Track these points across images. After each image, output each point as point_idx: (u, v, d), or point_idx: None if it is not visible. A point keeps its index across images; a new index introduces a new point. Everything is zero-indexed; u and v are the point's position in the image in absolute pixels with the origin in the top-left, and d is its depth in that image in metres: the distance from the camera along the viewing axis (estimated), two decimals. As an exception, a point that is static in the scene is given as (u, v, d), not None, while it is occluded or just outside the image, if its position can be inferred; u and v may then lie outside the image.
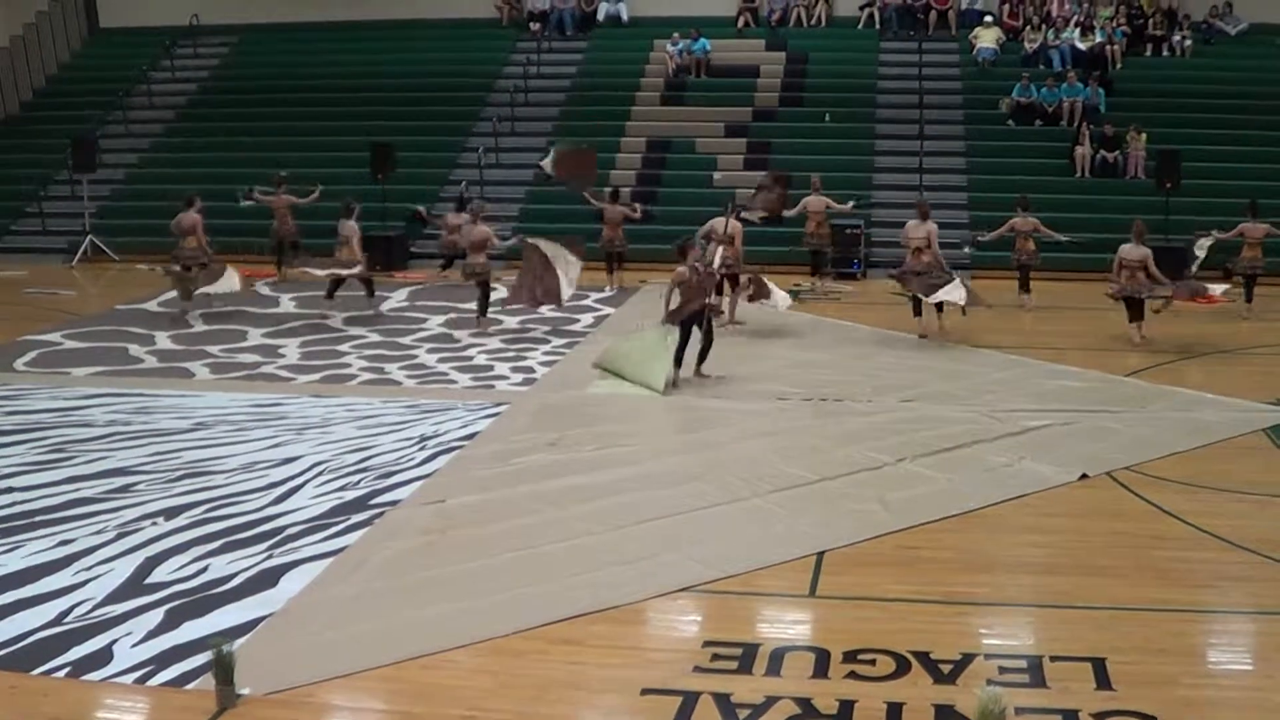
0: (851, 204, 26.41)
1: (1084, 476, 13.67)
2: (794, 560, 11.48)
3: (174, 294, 23.21)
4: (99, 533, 12.10)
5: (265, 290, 24.49)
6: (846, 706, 8.70)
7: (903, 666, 9.30)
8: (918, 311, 21.27)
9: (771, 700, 8.80)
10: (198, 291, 22.77)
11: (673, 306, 17.78)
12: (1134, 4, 33.76)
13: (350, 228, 23.13)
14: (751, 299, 21.20)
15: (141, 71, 35.75)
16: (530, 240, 21.76)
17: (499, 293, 22.21)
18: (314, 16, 36.84)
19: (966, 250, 26.32)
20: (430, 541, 11.91)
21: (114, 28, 38.55)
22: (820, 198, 26.01)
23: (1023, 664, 9.34)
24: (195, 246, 24.26)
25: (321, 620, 10.21)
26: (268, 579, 11.01)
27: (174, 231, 24.27)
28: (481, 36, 36.17)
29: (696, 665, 9.40)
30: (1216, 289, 21.58)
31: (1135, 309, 20.63)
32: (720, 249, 20.24)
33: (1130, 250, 20.65)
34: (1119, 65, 32.40)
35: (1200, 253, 23.75)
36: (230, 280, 22.69)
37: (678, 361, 17.65)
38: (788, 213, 24.76)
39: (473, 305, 22.39)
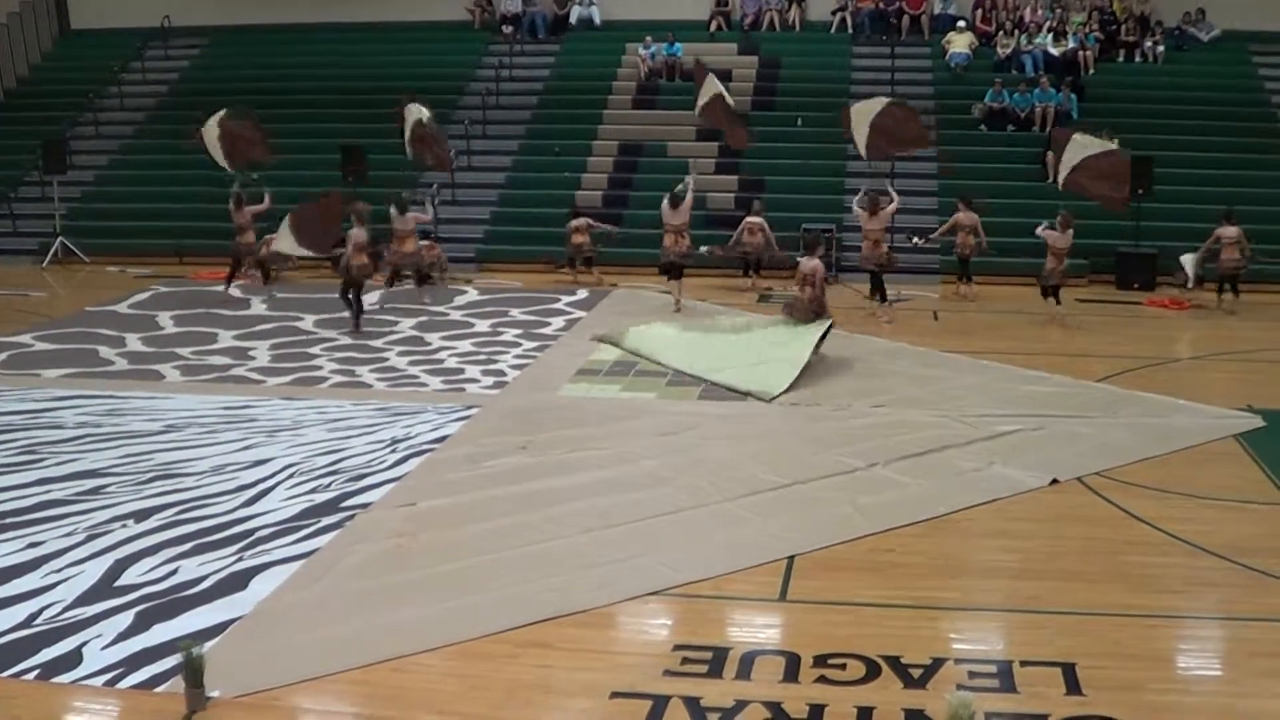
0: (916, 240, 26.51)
1: (1055, 481, 13.71)
2: (765, 564, 11.50)
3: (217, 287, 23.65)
4: (69, 535, 12.07)
5: (235, 293, 24.36)
6: (817, 711, 8.72)
7: (873, 671, 9.31)
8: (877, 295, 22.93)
9: (741, 704, 8.81)
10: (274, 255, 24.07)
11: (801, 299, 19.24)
12: (1106, 10, 33.83)
13: (406, 221, 24.22)
14: None
15: (112, 73, 35.61)
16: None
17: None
18: (285, 18, 36.75)
19: (915, 241, 26.33)
20: (401, 545, 11.89)
21: (85, 29, 38.40)
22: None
23: (993, 669, 9.37)
24: (251, 241, 24.74)
25: (292, 623, 10.20)
26: (238, 581, 10.99)
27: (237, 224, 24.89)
28: (453, 39, 36.12)
29: (666, 669, 9.40)
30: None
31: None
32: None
33: (1057, 238, 22.30)
34: (1091, 71, 32.46)
35: (1190, 269, 23.93)
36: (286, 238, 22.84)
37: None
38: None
39: (441, 308, 22.40)
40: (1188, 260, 24.15)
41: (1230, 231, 23.78)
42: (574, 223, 26.49)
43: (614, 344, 19.69)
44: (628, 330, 20.18)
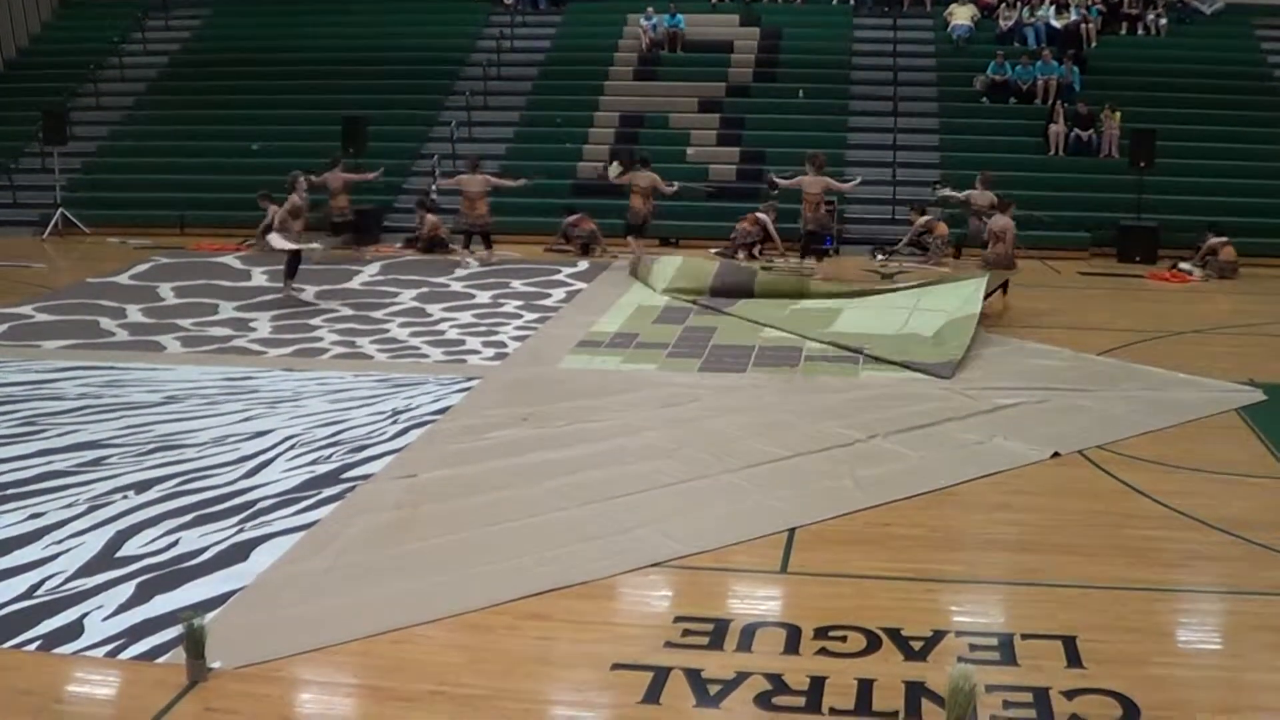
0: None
1: (1056, 455, 13.70)
2: (765, 536, 11.49)
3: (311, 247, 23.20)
4: (70, 506, 12.06)
5: (236, 264, 24.33)
6: (818, 683, 8.71)
7: (874, 643, 9.31)
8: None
9: (742, 676, 8.81)
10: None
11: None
12: (1109, -18, 33.83)
13: (475, 181, 25.12)
14: None
15: (113, 44, 35.52)
16: None
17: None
18: (287, -11, 36.76)
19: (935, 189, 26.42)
20: (401, 516, 11.89)
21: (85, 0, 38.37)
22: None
23: (994, 641, 9.36)
24: (344, 207, 25.29)
25: (293, 594, 10.19)
26: (239, 553, 10.98)
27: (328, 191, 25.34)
28: (455, 10, 36.05)
29: (667, 641, 9.40)
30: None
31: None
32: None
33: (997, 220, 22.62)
34: (1094, 44, 32.44)
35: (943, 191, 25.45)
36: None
37: None
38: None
39: (442, 280, 22.47)
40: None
41: (1220, 240, 24.57)
42: (570, 218, 26.74)
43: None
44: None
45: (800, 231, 24.43)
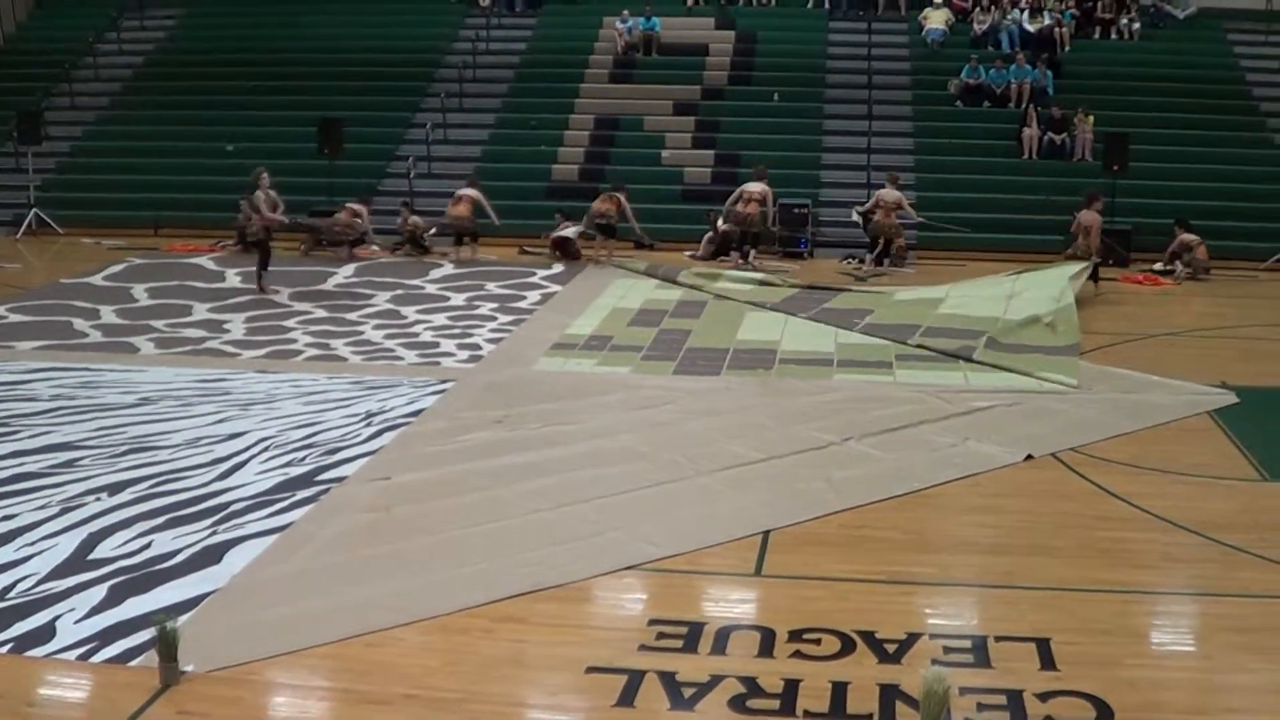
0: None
1: (1029, 457, 13.74)
2: (740, 539, 11.50)
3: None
4: (42, 508, 12.01)
5: (210, 265, 24.28)
6: (792, 685, 8.72)
7: (848, 646, 9.32)
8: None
9: (717, 679, 8.81)
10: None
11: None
12: (1083, -14, 33.94)
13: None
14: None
15: (87, 44, 35.41)
16: None
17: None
18: (263, -10, 36.69)
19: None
20: (375, 519, 11.88)
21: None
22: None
23: (967, 644, 9.39)
24: (466, 215, 25.63)
25: (266, 597, 10.17)
26: (212, 555, 10.96)
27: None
28: (430, 12, 36.03)
29: (642, 644, 9.40)
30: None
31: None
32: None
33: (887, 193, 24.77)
34: (1067, 48, 32.53)
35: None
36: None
37: None
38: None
39: (417, 281, 22.52)
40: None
41: (1193, 238, 24.86)
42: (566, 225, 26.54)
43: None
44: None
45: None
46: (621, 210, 25.76)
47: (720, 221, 25.97)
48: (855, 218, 25.97)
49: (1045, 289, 21.02)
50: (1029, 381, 16.81)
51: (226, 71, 33.37)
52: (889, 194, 25.36)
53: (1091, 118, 29.02)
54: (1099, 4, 33.61)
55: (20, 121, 29.69)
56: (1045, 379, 16.93)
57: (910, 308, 21.16)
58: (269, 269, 22.55)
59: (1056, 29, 32.60)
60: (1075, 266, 22.26)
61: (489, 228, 25.91)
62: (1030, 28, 32.79)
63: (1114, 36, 33.25)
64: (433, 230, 26.10)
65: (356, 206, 26.36)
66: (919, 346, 18.74)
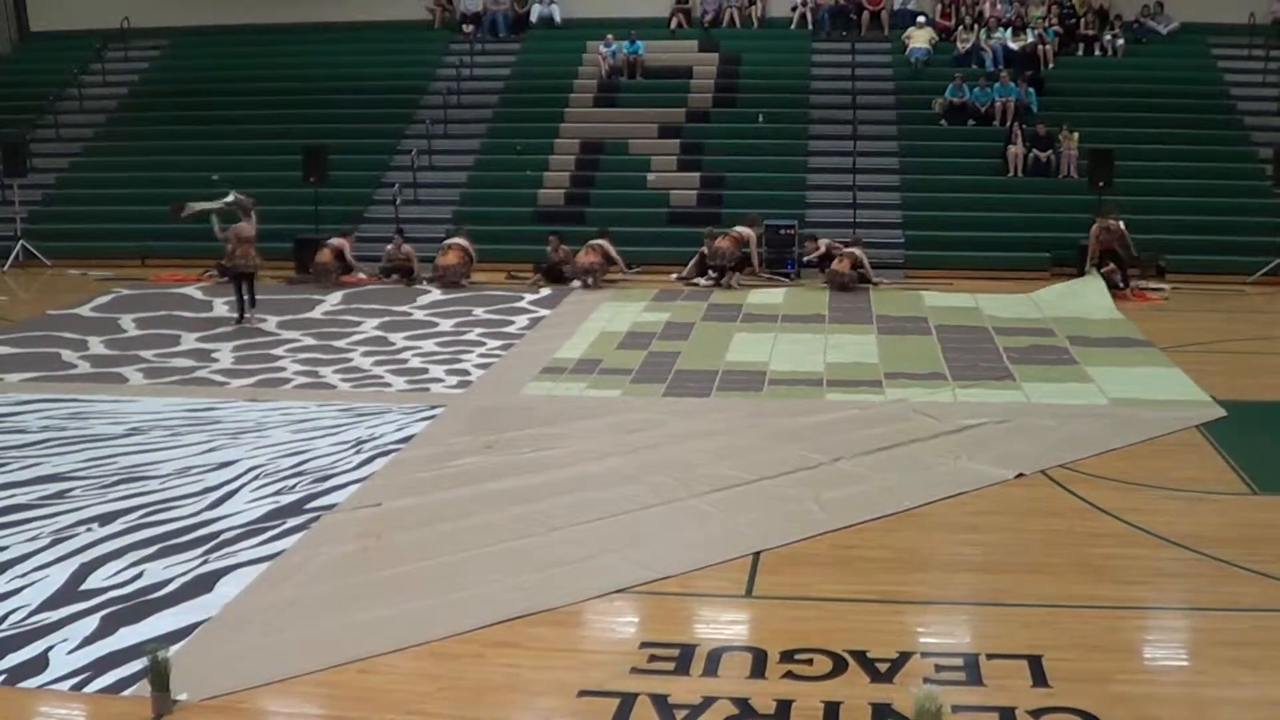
0: None
1: (1020, 475, 13.74)
2: (730, 560, 11.50)
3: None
4: (34, 539, 12.00)
5: (198, 295, 24.28)
6: (784, 706, 8.72)
7: (840, 666, 9.32)
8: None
9: (709, 701, 8.81)
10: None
11: None
12: (1066, 4, 34.00)
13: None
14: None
15: (72, 75, 35.45)
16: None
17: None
18: (245, 19, 36.70)
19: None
20: (366, 545, 11.88)
21: (44, 31, 38.29)
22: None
23: (959, 662, 9.38)
24: (455, 263, 25.95)
25: (258, 625, 10.17)
26: (203, 584, 10.95)
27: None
28: (414, 39, 36.11)
29: (634, 666, 9.39)
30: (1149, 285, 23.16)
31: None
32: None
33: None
34: (1051, 65, 32.61)
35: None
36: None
37: None
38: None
39: (405, 308, 22.60)
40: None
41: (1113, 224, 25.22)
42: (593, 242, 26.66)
43: None
44: None
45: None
46: (606, 256, 25.90)
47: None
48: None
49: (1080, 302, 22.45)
50: (1016, 396, 16.86)
51: (211, 101, 33.41)
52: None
53: (1076, 134, 29.09)
54: (1082, 21, 33.70)
55: (6, 153, 29.67)
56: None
57: (957, 313, 22.25)
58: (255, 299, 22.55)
59: (1040, 46, 32.68)
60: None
61: (480, 253, 26.13)
62: (1014, 45, 32.86)
63: (1098, 53, 33.31)
64: (423, 281, 26.02)
65: (338, 243, 26.40)
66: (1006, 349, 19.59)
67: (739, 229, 26.01)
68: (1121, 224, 25.01)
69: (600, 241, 26.23)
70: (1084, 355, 19.11)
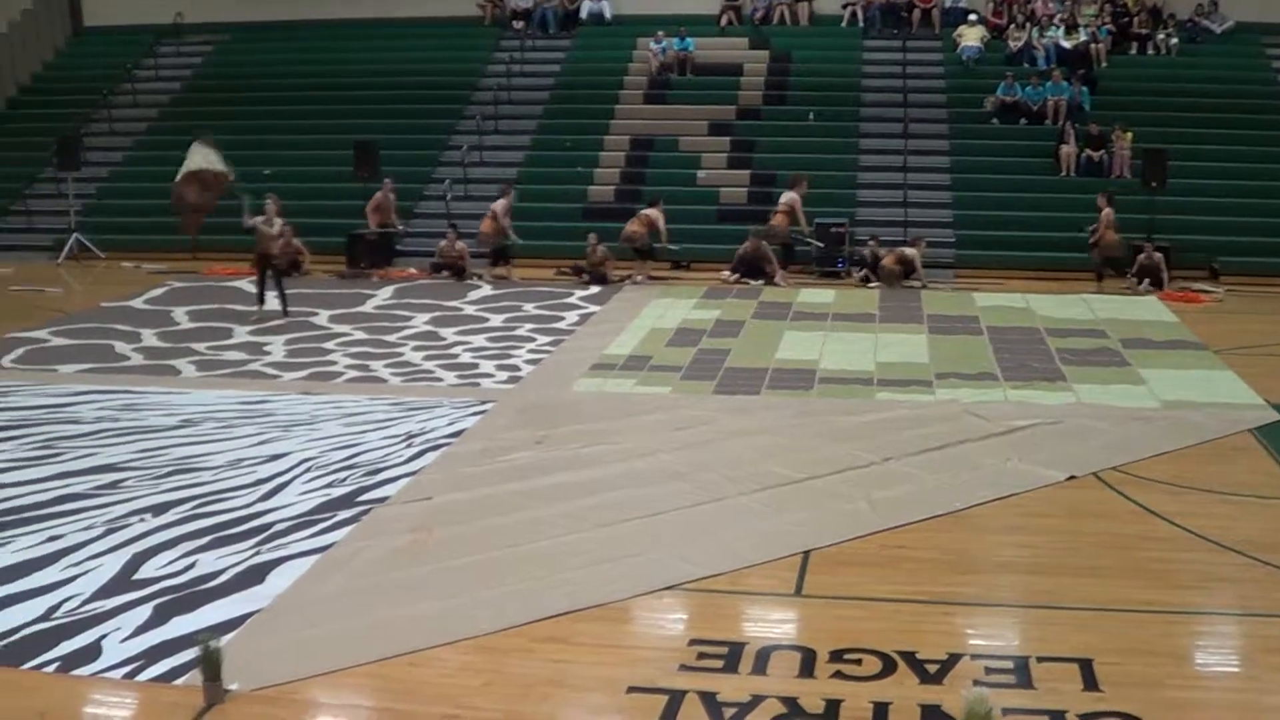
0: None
1: (1071, 477, 13.68)
2: (780, 559, 11.49)
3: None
4: (88, 529, 12.11)
5: (250, 288, 24.39)
6: (832, 706, 8.71)
7: (889, 666, 9.31)
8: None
9: (758, 699, 8.81)
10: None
11: None
12: (1118, 2, 33.78)
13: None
14: None
15: (125, 70, 35.68)
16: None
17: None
18: (298, 15, 36.84)
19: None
20: (416, 539, 11.91)
21: (98, 26, 38.48)
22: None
23: (1009, 664, 9.35)
24: (489, 231, 26.50)
25: (308, 616, 10.22)
26: (255, 575, 11.02)
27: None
28: (465, 35, 36.14)
29: (682, 664, 9.40)
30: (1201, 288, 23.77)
31: None
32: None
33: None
34: (1104, 64, 32.41)
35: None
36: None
37: None
38: None
39: (455, 303, 22.71)
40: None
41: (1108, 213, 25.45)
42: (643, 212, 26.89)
43: None
44: None
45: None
46: (654, 227, 25.91)
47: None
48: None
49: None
50: (1067, 397, 16.81)
51: (263, 96, 33.54)
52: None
53: (1130, 134, 28.91)
54: (1135, 19, 33.50)
55: (60, 147, 29.96)
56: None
57: (1008, 313, 22.38)
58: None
59: (1092, 45, 32.48)
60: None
61: (530, 249, 26.24)
62: (1066, 44, 32.70)
63: (1150, 52, 33.09)
64: (474, 277, 26.09)
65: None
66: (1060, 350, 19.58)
67: (782, 197, 26.58)
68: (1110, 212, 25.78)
69: (649, 211, 26.35)
70: (1136, 357, 19.04)
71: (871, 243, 25.99)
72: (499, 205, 26.50)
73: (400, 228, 27.50)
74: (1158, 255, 24.92)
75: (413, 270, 26.73)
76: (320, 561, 11.37)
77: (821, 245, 26.55)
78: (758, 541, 11.89)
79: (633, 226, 25.99)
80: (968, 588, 11.07)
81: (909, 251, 25.49)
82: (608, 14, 36.13)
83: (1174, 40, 32.93)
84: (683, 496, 13.00)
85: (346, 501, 12.89)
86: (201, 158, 22.88)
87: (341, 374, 18.52)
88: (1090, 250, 25.64)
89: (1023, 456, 14.34)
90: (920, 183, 29.02)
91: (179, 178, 22.90)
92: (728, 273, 26.06)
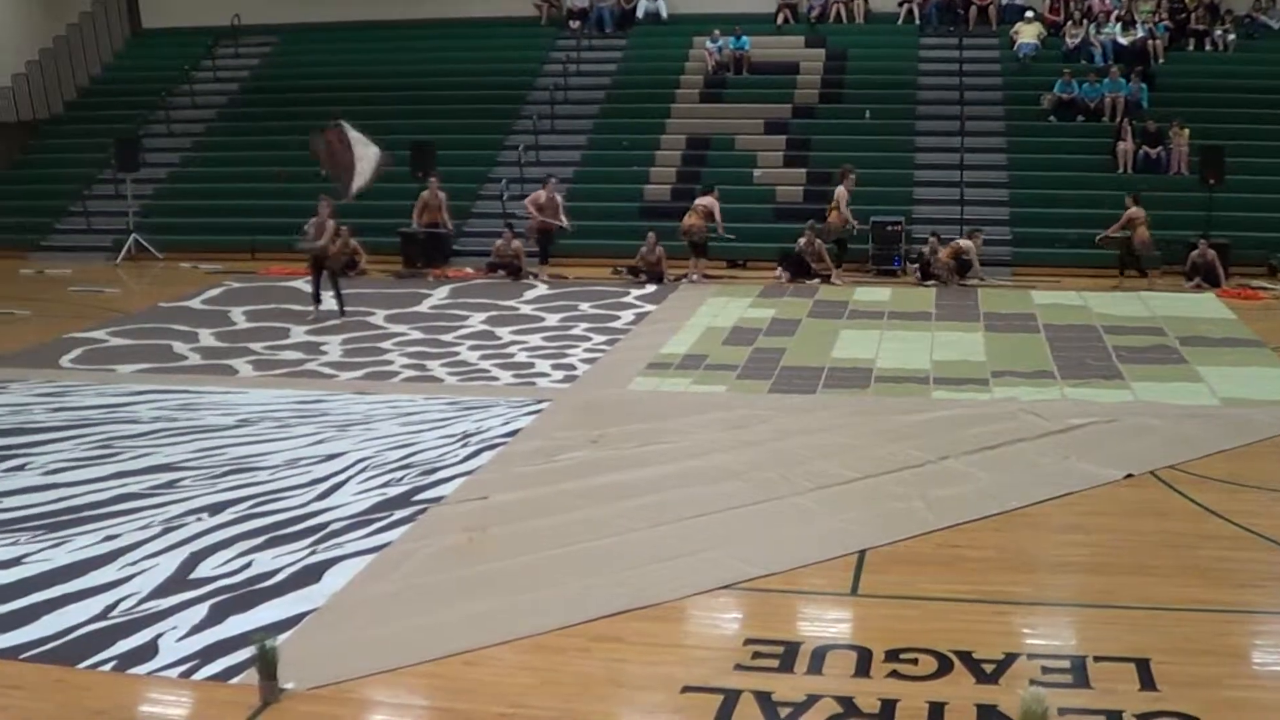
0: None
1: (1129, 475, 13.60)
2: (835, 558, 11.47)
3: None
4: (145, 528, 12.19)
5: (307, 288, 24.48)
6: (888, 706, 8.69)
7: (945, 666, 9.28)
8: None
9: (813, 699, 8.79)
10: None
11: None
12: (1175, -2, 33.64)
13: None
14: None
15: (183, 71, 35.91)
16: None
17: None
18: (354, 16, 36.97)
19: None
20: (472, 538, 11.94)
21: (156, 28, 38.74)
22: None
23: (1066, 664, 9.31)
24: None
25: (364, 616, 10.26)
26: (311, 574, 11.06)
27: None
28: (521, 35, 36.21)
29: (738, 663, 9.39)
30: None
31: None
32: None
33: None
34: (1161, 60, 32.21)
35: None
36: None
37: None
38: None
39: (511, 302, 22.76)
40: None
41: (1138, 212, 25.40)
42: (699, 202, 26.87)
43: None
44: None
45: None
46: (710, 216, 25.94)
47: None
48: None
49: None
50: (1125, 395, 16.73)
51: (320, 97, 33.55)
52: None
53: (1187, 130, 28.72)
54: (1192, 16, 33.26)
55: (119, 149, 30.17)
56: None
57: (1065, 311, 22.39)
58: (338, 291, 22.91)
59: (1150, 41, 32.29)
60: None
61: (572, 247, 26.38)
62: (1123, 40, 32.52)
63: (1208, 48, 32.87)
64: (530, 277, 26.15)
65: (706, 202, 26.71)
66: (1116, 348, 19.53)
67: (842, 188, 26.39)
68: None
69: (704, 200, 26.36)
70: (1194, 355, 18.93)
71: (932, 239, 25.83)
72: (536, 197, 26.60)
73: (449, 227, 27.51)
74: (1211, 253, 24.76)
75: (469, 270, 26.82)
76: (376, 561, 11.41)
77: (858, 228, 26.38)
78: (813, 541, 11.88)
79: (690, 219, 25.98)
80: (1024, 587, 11.03)
81: (964, 244, 25.38)
82: (664, 13, 36.12)
83: (1231, 36, 32.68)
84: (738, 496, 12.99)
85: (402, 501, 12.93)
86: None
87: (398, 373, 18.57)
88: (1100, 243, 25.54)
89: (1080, 455, 14.27)
90: (976, 180, 28.91)
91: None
92: (780, 270, 25.96)
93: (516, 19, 36.59)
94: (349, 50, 36.12)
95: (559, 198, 26.61)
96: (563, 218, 26.43)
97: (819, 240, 25.82)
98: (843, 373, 18.16)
